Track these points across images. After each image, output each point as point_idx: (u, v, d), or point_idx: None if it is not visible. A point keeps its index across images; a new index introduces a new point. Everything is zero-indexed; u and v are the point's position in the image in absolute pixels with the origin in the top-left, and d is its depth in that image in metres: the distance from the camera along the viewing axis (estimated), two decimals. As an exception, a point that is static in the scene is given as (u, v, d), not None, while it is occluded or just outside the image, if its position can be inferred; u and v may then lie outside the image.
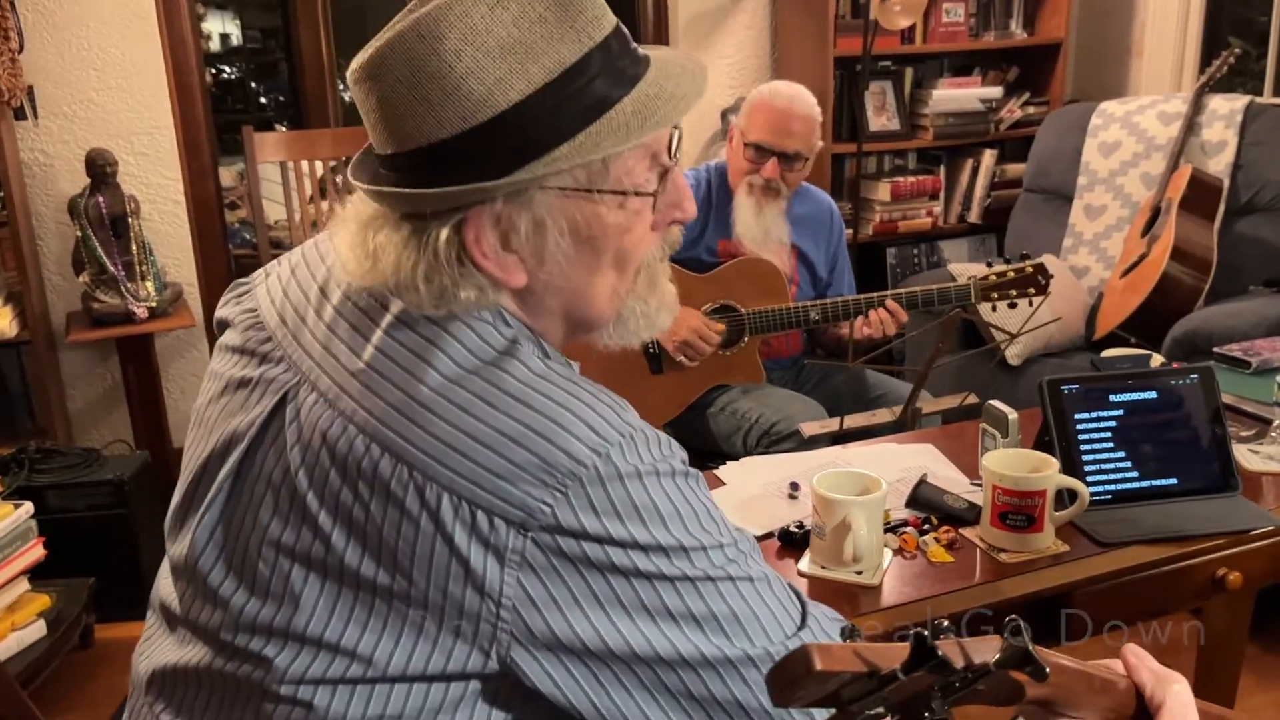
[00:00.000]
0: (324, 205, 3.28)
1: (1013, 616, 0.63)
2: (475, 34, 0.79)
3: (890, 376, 2.53)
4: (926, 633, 0.58)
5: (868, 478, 1.30)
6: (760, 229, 2.37)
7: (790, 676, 0.59)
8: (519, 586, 0.78)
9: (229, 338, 0.97)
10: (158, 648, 0.94)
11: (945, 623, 0.62)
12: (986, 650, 0.62)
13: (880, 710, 0.60)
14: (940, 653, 0.57)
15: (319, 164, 3.34)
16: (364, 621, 0.80)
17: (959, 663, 0.60)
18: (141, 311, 2.93)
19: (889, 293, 2.34)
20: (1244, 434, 1.65)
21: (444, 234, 0.83)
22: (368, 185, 0.86)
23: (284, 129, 5.27)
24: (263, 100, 6.19)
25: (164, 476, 2.77)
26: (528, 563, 0.77)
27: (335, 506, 0.80)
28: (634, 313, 0.95)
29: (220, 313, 1.02)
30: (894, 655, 0.60)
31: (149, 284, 3.00)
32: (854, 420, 2.00)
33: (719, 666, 0.80)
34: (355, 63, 0.84)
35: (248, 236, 3.96)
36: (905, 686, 0.58)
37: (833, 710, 0.61)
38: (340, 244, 0.89)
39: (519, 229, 0.84)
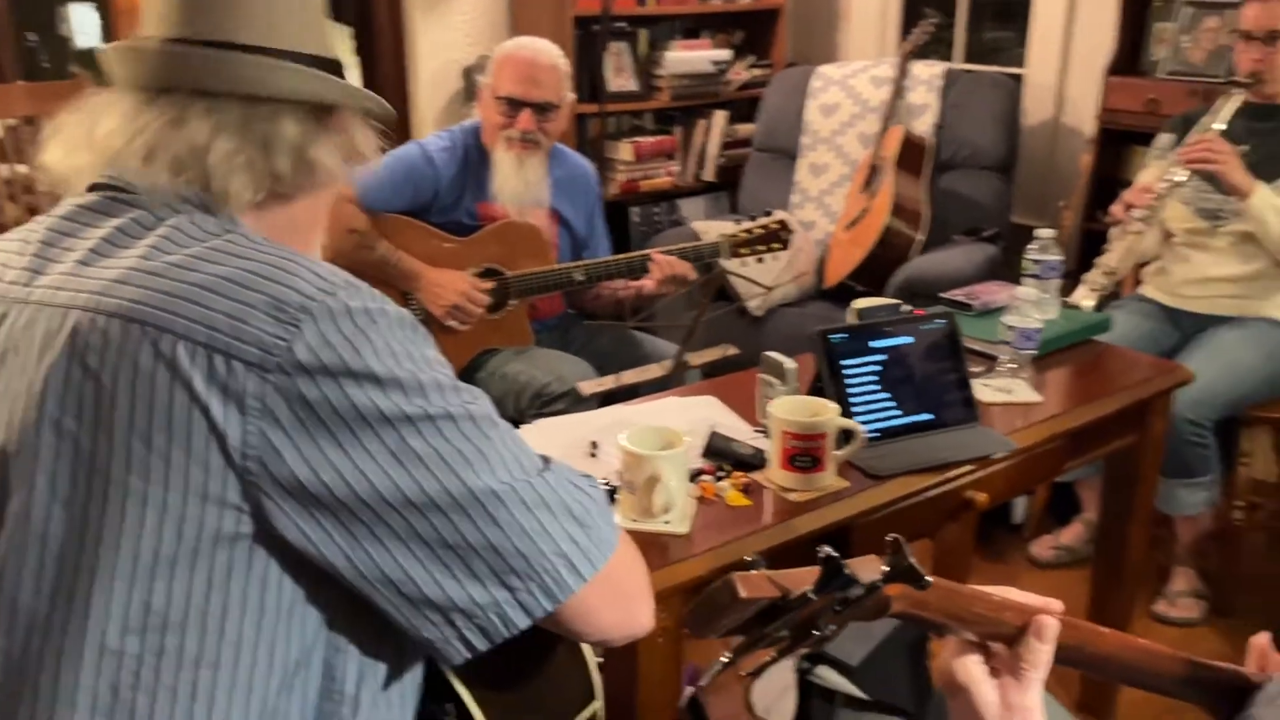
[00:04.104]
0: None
1: (895, 535, 0.70)
2: None
3: (651, 335, 2.62)
4: (835, 554, 0.64)
5: (670, 432, 1.36)
6: (521, 183, 2.37)
7: (716, 606, 0.63)
8: (262, 436, 0.79)
9: None
10: None
11: (831, 550, 0.68)
12: (871, 569, 0.68)
13: (786, 633, 0.65)
14: (847, 570, 0.63)
15: None
16: (104, 514, 0.79)
17: (861, 577, 0.66)
18: None
19: (650, 251, 2.41)
20: (975, 370, 1.85)
21: (290, 127, 0.91)
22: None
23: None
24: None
25: None
26: (269, 411, 0.78)
27: (79, 402, 0.80)
28: None
29: None
30: (802, 579, 0.65)
31: None
32: (629, 376, 2.07)
33: (466, 505, 0.82)
34: None
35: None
36: (811, 607, 0.64)
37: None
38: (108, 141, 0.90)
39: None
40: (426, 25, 3.48)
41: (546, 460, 0.91)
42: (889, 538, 0.71)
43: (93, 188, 0.91)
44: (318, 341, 0.79)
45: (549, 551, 0.85)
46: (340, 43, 1.06)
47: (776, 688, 2.22)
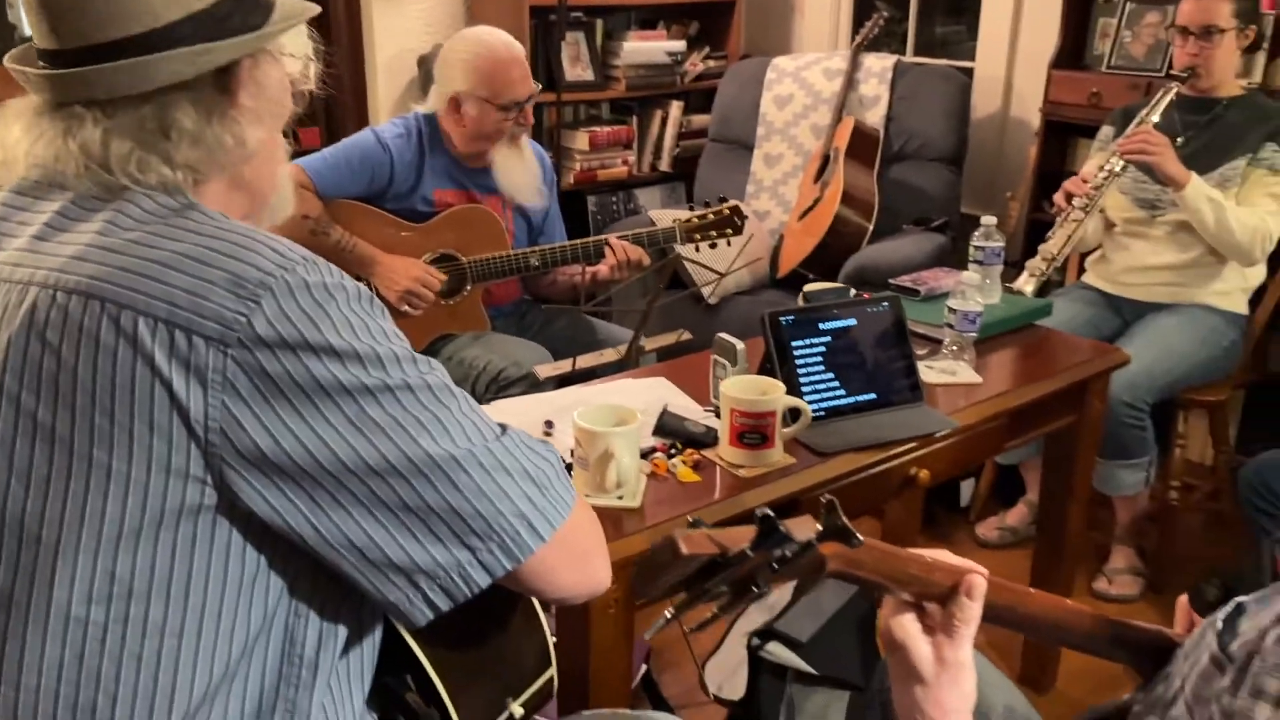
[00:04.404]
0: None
1: (828, 496, 0.74)
2: None
3: (605, 322, 2.65)
4: (771, 513, 0.68)
5: (623, 409, 1.39)
6: (527, 174, 2.45)
7: (658, 563, 0.67)
8: (224, 409, 0.80)
9: None
10: None
11: (768, 510, 0.72)
12: (806, 529, 0.72)
13: (725, 589, 0.69)
14: (783, 528, 0.67)
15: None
16: (67, 489, 0.81)
17: (797, 537, 0.70)
18: None
19: (605, 236, 2.44)
20: (920, 352, 1.91)
21: (185, 112, 0.90)
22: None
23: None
24: None
25: None
26: (230, 384, 0.80)
27: (37, 378, 0.81)
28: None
29: None
30: (740, 537, 0.69)
31: None
32: (584, 360, 2.10)
33: (427, 470, 0.85)
34: None
35: None
36: (748, 564, 0.68)
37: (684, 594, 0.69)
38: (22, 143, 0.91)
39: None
40: (383, 14, 3.47)
41: (504, 427, 0.94)
42: (824, 498, 0.75)
43: None
44: (277, 316, 0.81)
45: (508, 513, 0.88)
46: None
47: (729, 665, 2.27)
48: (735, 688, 2.15)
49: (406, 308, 2.37)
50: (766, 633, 2.12)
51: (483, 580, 0.89)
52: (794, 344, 1.61)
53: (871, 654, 2.13)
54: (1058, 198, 2.55)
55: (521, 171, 2.46)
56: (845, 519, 0.74)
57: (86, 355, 0.80)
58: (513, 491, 0.89)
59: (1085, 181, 2.50)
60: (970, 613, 0.87)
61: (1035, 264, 2.44)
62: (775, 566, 0.71)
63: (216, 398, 0.80)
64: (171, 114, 0.89)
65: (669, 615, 0.74)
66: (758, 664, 2.12)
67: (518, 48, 2.42)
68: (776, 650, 2.09)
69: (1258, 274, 2.57)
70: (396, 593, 0.88)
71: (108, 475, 0.80)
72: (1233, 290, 2.56)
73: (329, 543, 0.85)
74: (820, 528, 0.74)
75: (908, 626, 0.87)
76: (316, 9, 1.01)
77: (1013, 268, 3.30)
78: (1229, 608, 0.86)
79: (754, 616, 2.31)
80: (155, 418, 0.80)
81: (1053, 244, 2.49)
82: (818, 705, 2.04)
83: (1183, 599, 1.10)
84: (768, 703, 2.07)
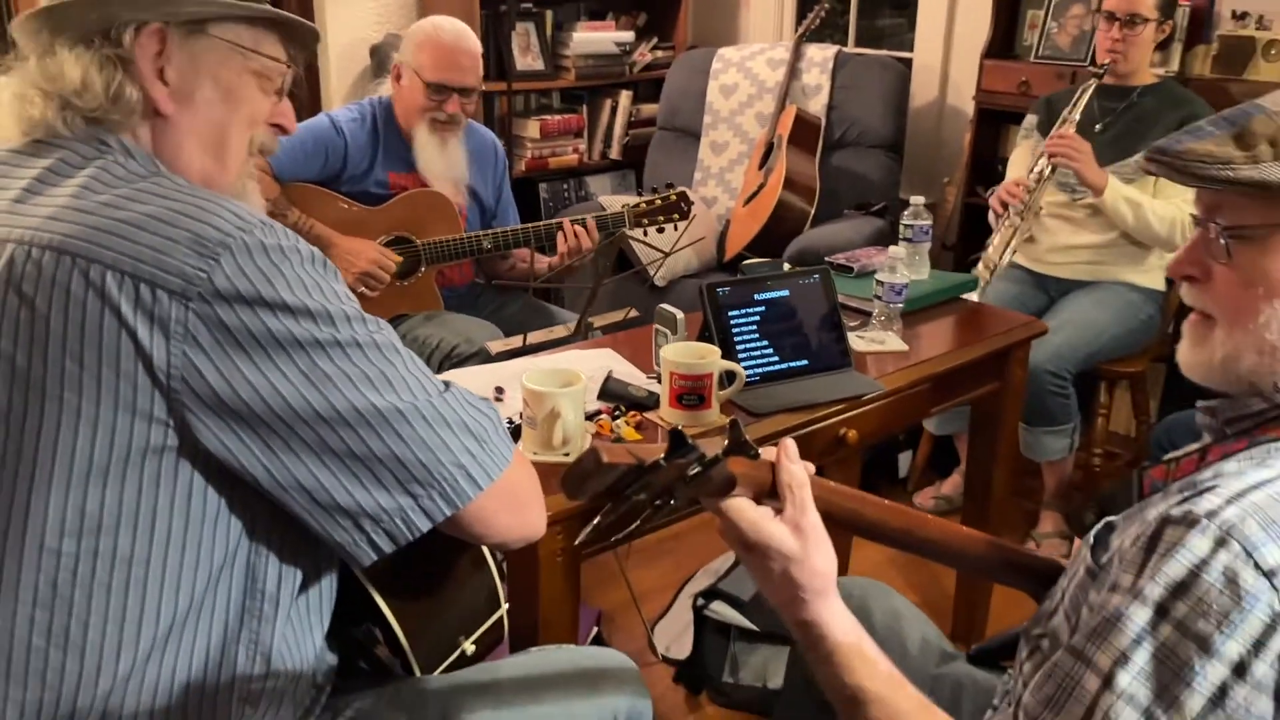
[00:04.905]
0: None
1: (733, 417, 0.84)
2: None
3: (557, 306, 2.74)
4: (681, 429, 0.78)
5: (569, 372, 1.49)
6: (446, 164, 2.49)
7: (583, 471, 0.77)
8: (185, 358, 0.88)
9: None
10: None
11: (679, 426, 0.82)
12: (716, 446, 0.83)
13: (644, 496, 0.79)
14: (690, 440, 0.77)
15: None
16: (40, 427, 0.88)
17: (705, 451, 0.80)
18: None
19: (558, 219, 2.53)
20: (852, 324, 2.02)
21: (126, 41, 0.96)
22: None
23: None
24: None
25: None
26: (191, 335, 0.88)
27: (15, 326, 0.89)
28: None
29: None
30: (655, 451, 0.79)
31: None
32: (535, 336, 2.19)
33: (373, 421, 0.92)
34: None
35: None
36: (664, 473, 0.77)
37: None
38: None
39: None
40: (336, 4, 3.53)
41: (447, 384, 1.01)
42: (728, 420, 0.85)
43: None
44: (235, 272, 0.88)
45: (448, 463, 0.96)
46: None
47: (676, 627, 2.39)
48: (682, 647, 2.26)
49: (363, 289, 2.44)
50: (711, 593, 2.23)
51: (423, 525, 0.96)
52: (730, 313, 1.72)
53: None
54: (994, 203, 2.68)
55: (439, 161, 2.50)
56: (746, 435, 0.84)
57: (58, 306, 0.87)
58: (453, 443, 0.96)
59: (1019, 184, 2.63)
60: (797, 475, 0.90)
61: (980, 272, 2.58)
62: (689, 479, 0.81)
63: (178, 347, 0.88)
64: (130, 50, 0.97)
65: (596, 522, 0.84)
66: (703, 624, 2.23)
67: (469, 41, 2.49)
68: (721, 609, 2.20)
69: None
70: (343, 534, 0.95)
71: (78, 415, 0.87)
72: (1151, 268, 2.71)
73: (280, 484, 0.92)
74: (726, 443, 0.84)
75: (757, 517, 0.88)
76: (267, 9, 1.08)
77: (949, 251, 3.46)
78: (1099, 525, 0.98)
79: (700, 580, 2.42)
80: (121, 364, 0.87)
81: (993, 251, 2.63)
82: (759, 660, 2.16)
83: (1077, 543, 1.21)
84: (713, 660, 2.18)
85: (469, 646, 1.25)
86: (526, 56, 3.73)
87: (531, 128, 3.77)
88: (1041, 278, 2.81)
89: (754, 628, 2.15)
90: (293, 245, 0.93)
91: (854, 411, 1.74)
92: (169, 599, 0.93)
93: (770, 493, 0.91)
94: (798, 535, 0.88)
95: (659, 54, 4.03)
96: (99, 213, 0.91)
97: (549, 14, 3.82)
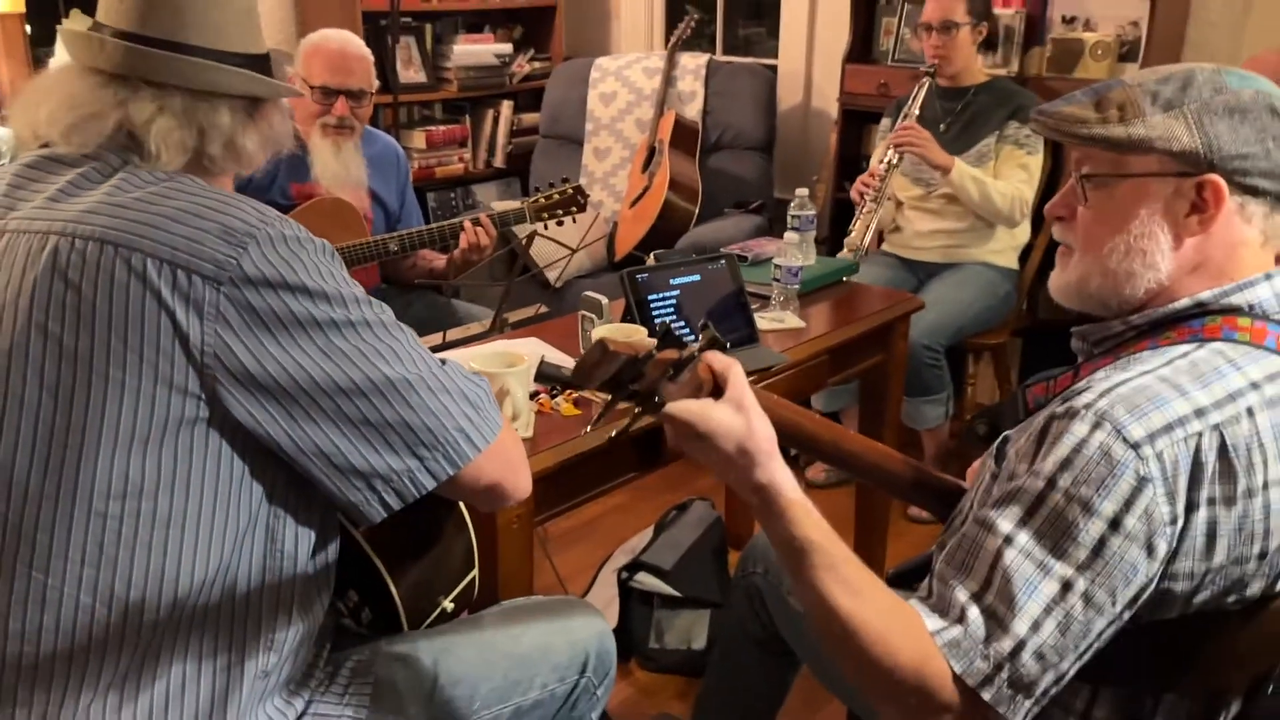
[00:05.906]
0: None
1: (705, 320, 1.00)
2: None
3: (464, 303, 2.84)
4: (669, 321, 0.94)
5: (512, 354, 1.61)
6: (340, 167, 2.54)
7: (593, 360, 0.92)
8: (217, 336, 0.99)
9: None
10: None
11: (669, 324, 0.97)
12: (693, 347, 0.99)
13: (638, 387, 0.94)
14: (675, 332, 0.93)
15: None
16: (88, 400, 0.97)
17: (685, 351, 0.96)
18: None
19: (460, 218, 2.63)
20: (753, 306, 2.20)
21: (225, 117, 1.10)
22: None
23: None
24: None
25: None
26: (222, 315, 0.99)
27: (62, 309, 0.98)
28: None
29: None
30: (649, 344, 0.94)
31: None
32: (454, 333, 2.29)
33: (385, 391, 1.04)
34: None
35: None
36: (654, 365, 0.93)
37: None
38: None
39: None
40: (213, 19, 3.53)
41: (443, 360, 1.13)
42: (701, 322, 1.01)
43: (44, 146, 1.07)
44: (260, 260, 0.99)
45: (450, 427, 1.08)
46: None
47: (603, 599, 2.52)
48: (609, 618, 2.39)
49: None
50: (635, 565, 2.38)
51: (429, 484, 1.08)
52: (650, 296, 1.87)
53: (725, 576, 2.41)
54: (853, 194, 2.93)
55: (334, 165, 2.55)
56: (718, 333, 1.00)
57: (103, 290, 0.97)
58: (454, 410, 1.08)
59: (872, 175, 2.88)
60: (727, 361, 1.01)
61: (845, 255, 2.81)
62: (671, 375, 0.96)
63: (210, 326, 0.98)
64: (217, 114, 1.08)
65: (600, 415, 1.03)
66: (628, 595, 2.37)
67: (355, 45, 2.57)
68: (645, 579, 2.35)
69: (1024, 233, 3.02)
70: (356, 494, 1.06)
71: (122, 389, 0.97)
72: (1004, 249, 3.00)
73: (301, 450, 1.03)
74: (703, 343, 1.00)
75: (701, 407, 0.97)
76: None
77: (822, 245, 3.70)
78: (997, 442, 1.16)
79: (619, 558, 2.56)
80: (161, 342, 0.97)
81: (855, 235, 2.87)
82: (684, 624, 2.31)
83: (974, 465, 1.40)
84: (639, 628, 2.33)
85: (448, 605, 1.36)
86: (409, 69, 3.81)
87: (417, 139, 3.84)
88: (910, 263, 3.07)
89: (677, 594, 2.31)
90: (307, 236, 1.04)
91: (765, 382, 1.92)
92: (201, 558, 1.02)
93: (710, 393, 1.00)
94: (741, 412, 0.98)
95: (537, 65, 4.16)
96: (134, 207, 1.00)
97: (429, 27, 3.90)
